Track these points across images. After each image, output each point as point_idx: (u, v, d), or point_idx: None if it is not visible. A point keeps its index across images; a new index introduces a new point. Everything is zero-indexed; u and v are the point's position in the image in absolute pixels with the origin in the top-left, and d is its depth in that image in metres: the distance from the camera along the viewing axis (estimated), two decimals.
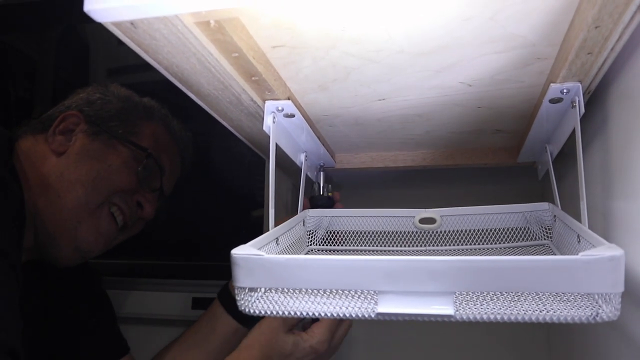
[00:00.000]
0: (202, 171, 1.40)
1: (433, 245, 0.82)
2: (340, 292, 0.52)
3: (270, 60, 0.63)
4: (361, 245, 0.84)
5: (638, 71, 0.54)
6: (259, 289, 0.54)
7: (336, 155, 1.01)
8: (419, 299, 0.48)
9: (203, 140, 1.39)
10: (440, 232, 0.82)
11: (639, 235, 0.54)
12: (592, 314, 0.46)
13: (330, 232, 0.86)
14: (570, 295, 0.48)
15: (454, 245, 0.81)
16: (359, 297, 0.51)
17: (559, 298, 0.48)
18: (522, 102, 0.73)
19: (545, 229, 0.77)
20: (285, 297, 0.53)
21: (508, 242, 0.79)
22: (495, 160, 0.95)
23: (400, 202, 0.87)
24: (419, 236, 0.83)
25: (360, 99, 0.74)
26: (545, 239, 0.77)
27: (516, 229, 0.80)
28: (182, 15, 0.49)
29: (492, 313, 0.48)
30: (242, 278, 0.52)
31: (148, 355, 1.26)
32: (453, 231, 0.82)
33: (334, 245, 0.85)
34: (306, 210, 0.84)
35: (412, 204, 0.85)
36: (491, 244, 0.79)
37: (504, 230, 0.80)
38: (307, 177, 0.92)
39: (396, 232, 0.83)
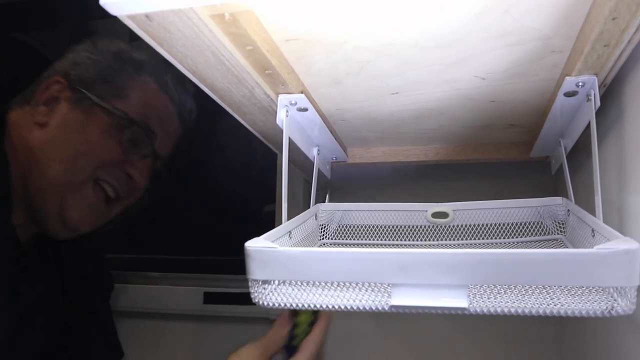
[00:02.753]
0: (214, 166, 1.41)
1: (446, 240, 0.81)
2: (354, 284, 0.52)
3: (283, 54, 0.63)
4: (374, 240, 0.84)
5: None
6: (272, 282, 0.54)
7: (348, 149, 1.01)
8: (433, 291, 0.48)
9: (215, 136, 1.40)
10: (453, 226, 0.82)
11: None
12: (607, 307, 0.46)
13: (343, 226, 0.86)
14: (585, 289, 0.48)
15: (466, 239, 0.81)
16: (372, 290, 0.51)
17: (573, 291, 0.48)
18: (536, 96, 0.73)
19: (559, 223, 0.77)
20: (299, 290, 0.54)
21: (521, 237, 0.79)
22: (508, 155, 0.95)
23: (413, 197, 0.87)
24: (431, 230, 0.83)
25: (373, 93, 0.73)
26: (558, 234, 0.76)
27: (529, 224, 0.79)
28: (197, 8, 0.49)
29: (506, 306, 0.48)
30: (255, 270, 0.53)
31: (159, 350, 1.27)
32: (466, 225, 0.81)
33: (347, 239, 0.85)
34: (319, 204, 0.84)
35: (425, 199, 0.85)
36: (504, 238, 0.79)
37: (517, 224, 0.80)
38: (319, 172, 0.92)
39: (409, 227, 0.83)
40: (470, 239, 0.81)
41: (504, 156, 0.95)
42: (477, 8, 0.52)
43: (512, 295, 0.48)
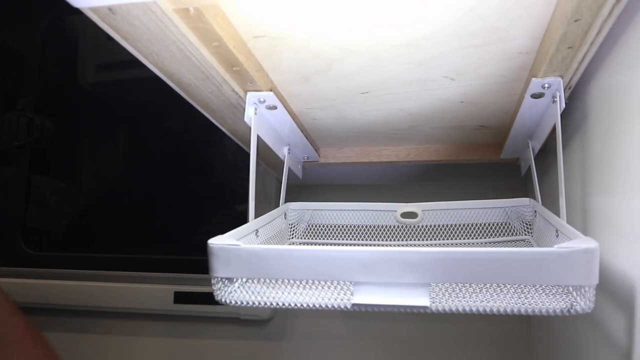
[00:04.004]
0: (187, 165, 1.40)
1: (415, 240, 0.82)
2: (317, 282, 0.51)
3: (251, 51, 0.62)
4: (343, 239, 0.84)
5: (617, 67, 0.54)
6: (235, 279, 0.54)
7: (320, 149, 1.01)
8: (395, 290, 0.48)
9: (189, 134, 1.39)
10: (422, 226, 0.82)
11: (617, 231, 0.55)
12: (566, 306, 0.46)
13: (312, 226, 0.86)
14: (546, 288, 0.48)
15: (435, 239, 0.81)
16: (334, 288, 0.51)
17: (533, 290, 0.48)
18: (505, 98, 0.74)
19: (526, 224, 0.77)
20: (262, 288, 0.53)
21: (489, 237, 0.79)
22: (478, 156, 0.95)
23: (385, 197, 0.87)
24: (401, 230, 0.83)
25: (343, 92, 0.73)
26: (526, 234, 0.77)
27: (498, 225, 0.80)
28: (161, 1, 0.48)
29: (468, 305, 0.48)
30: (218, 268, 0.52)
31: (128, 349, 1.26)
32: (435, 226, 0.82)
33: (316, 238, 0.85)
34: (288, 204, 0.84)
35: (397, 199, 0.85)
36: (473, 238, 0.80)
37: (485, 225, 0.80)
38: (290, 171, 0.92)
39: (378, 226, 0.83)
40: (440, 239, 0.81)
41: (474, 157, 0.96)
42: (444, 6, 0.52)
43: (474, 294, 0.48)
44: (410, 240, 0.82)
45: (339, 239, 0.84)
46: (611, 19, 0.48)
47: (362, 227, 0.84)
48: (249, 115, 0.69)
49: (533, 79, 0.62)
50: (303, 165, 1.00)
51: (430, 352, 1.12)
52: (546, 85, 0.62)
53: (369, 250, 0.48)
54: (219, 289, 0.53)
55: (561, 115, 0.65)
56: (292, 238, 0.84)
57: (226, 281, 0.53)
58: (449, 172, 1.08)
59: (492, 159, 0.95)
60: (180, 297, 1.19)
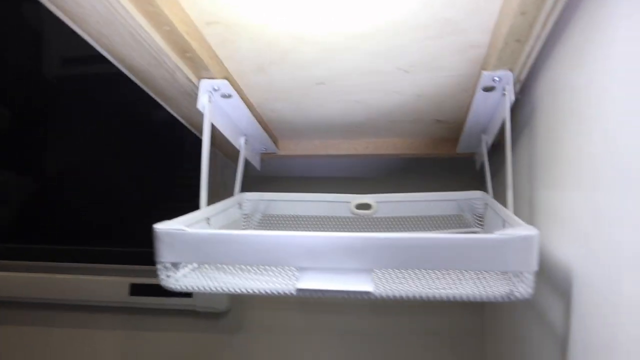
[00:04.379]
0: (146, 155, 1.38)
1: (369, 231, 0.82)
2: (262, 268, 0.51)
3: (205, 37, 0.62)
4: (298, 230, 0.84)
5: (561, 63, 0.55)
6: (180, 265, 0.53)
7: (280, 141, 1.00)
8: (339, 276, 0.48)
9: (147, 124, 1.37)
10: (377, 218, 0.82)
11: (559, 222, 0.56)
12: (506, 292, 0.47)
13: (267, 216, 0.86)
14: (486, 274, 0.49)
15: (390, 231, 0.82)
16: (279, 274, 0.51)
17: (474, 276, 0.49)
18: (460, 92, 0.74)
19: (478, 216, 0.79)
20: (207, 273, 0.53)
21: (442, 229, 0.80)
22: (436, 150, 0.97)
23: (345, 190, 0.87)
24: (356, 222, 0.83)
25: (299, 83, 0.73)
26: (477, 226, 0.78)
27: (451, 217, 0.81)
28: None
29: (411, 291, 0.48)
30: (164, 252, 0.52)
31: (84, 342, 1.24)
32: (389, 218, 0.82)
33: (271, 229, 0.85)
34: (243, 194, 0.83)
35: (357, 192, 0.85)
36: (426, 230, 0.80)
37: (439, 218, 0.81)
38: (249, 163, 0.91)
39: (333, 218, 0.84)
40: (394, 230, 0.82)
41: (432, 152, 0.97)
42: None
43: (417, 279, 0.49)
44: (365, 231, 0.82)
45: (293, 230, 0.84)
46: (555, 12, 0.49)
47: (317, 218, 0.84)
48: (202, 103, 0.68)
49: (484, 72, 0.63)
50: (262, 157, 1.00)
51: (385, 344, 1.13)
52: (497, 79, 0.63)
53: (313, 236, 0.48)
54: (165, 274, 0.53)
55: (513, 110, 0.66)
56: (247, 228, 0.84)
57: (172, 266, 0.53)
58: (408, 166, 1.09)
59: (449, 154, 0.96)
60: (136, 289, 1.17)
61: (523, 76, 0.63)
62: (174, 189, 1.34)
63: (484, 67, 0.64)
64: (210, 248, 0.50)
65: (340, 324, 1.15)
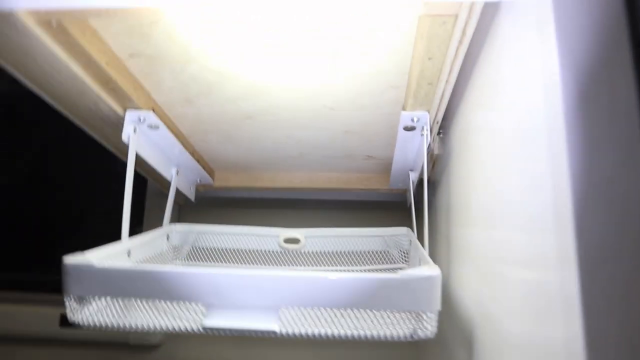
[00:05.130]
0: (83, 181, 1.35)
1: (297, 266, 0.82)
2: (170, 304, 0.51)
3: (128, 69, 0.62)
4: (226, 263, 0.83)
5: (471, 104, 0.57)
6: (88, 299, 0.52)
7: (216, 172, 1.00)
8: (246, 313, 0.48)
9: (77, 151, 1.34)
10: (305, 252, 0.83)
11: (470, 260, 0.57)
12: (409, 332, 0.48)
13: (196, 249, 0.85)
14: (390, 313, 0.49)
15: (317, 266, 0.82)
16: (187, 310, 0.50)
17: (379, 316, 0.49)
18: (387, 129, 0.76)
19: (404, 252, 0.80)
20: (116, 308, 0.52)
21: (369, 265, 0.81)
22: (369, 185, 0.98)
23: (279, 223, 0.87)
24: (284, 256, 0.83)
25: (228, 116, 0.74)
26: (403, 263, 0.79)
27: (378, 252, 0.82)
28: (20, 13, 0.48)
29: (317, 330, 0.48)
30: (71, 286, 0.51)
31: None
32: (318, 252, 0.83)
33: (199, 262, 0.84)
34: (171, 225, 0.82)
35: (292, 225, 0.85)
36: (354, 265, 0.81)
37: (367, 253, 0.82)
38: (181, 193, 0.91)
39: (262, 251, 0.83)
40: (322, 265, 0.82)
41: (365, 186, 0.98)
42: (313, 33, 0.53)
43: (322, 318, 0.49)
44: (293, 266, 0.82)
45: (221, 263, 0.83)
46: (458, 59, 0.51)
47: (247, 251, 0.84)
48: (127, 133, 0.68)
49: (403, 112, 0.64)
50: (197, 188, 1.00)
51: None
52: (415, 119, 0.65)
53: (220, 273, 0.48)
54: (72, 308, 0.51)
55: (438, 148, 0.68)
56: (175, 260, 0.83)
57: (79, 300, 0.52)
58: (344, 200, 1.10)
59: (382, 189, 0.97)
60: (67, 321, 1.13)
61: (440, 117, 0.65)
62: (108, 215, 1.32)
63: (403, 107, 0.65)
64: (118, 283, 0.49)
65: (275, 357, 1.14)
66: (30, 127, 1.36)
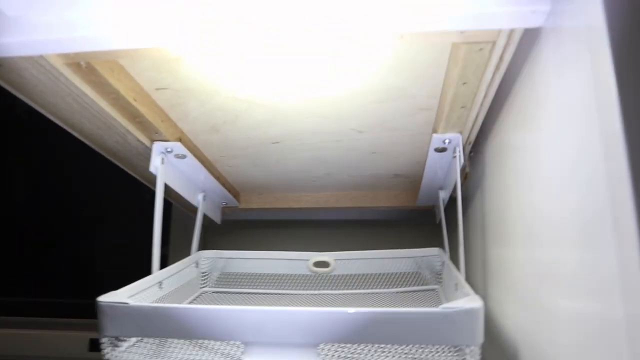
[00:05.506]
0: (106, 207, 1.36)
1: (327, 289, 0.81)
2: (207, 342, 0.50)
3: (155, 102, 0.62)
4: (256, 288, 0.83)
5: (507, 126, 0.56)
6: (125, 339, 0.52)
7: (241, 194, 1.00)
8: (285, 350, 0.47)
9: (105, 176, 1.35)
10: (335, 275, 0.82)
11: (509, 284, 0.56)
12: None
13: (226, 274, 0.84)
14: (432, 348, 0.48)
15: (347, 289, 0.81)
16: (224, 348, 0.50)
17: (421, 350, 0.48)
18: (414, 149, 0.75)
19: (436, 274, 0.78)
20: (152, 348, 0.52)
21: (400, 287, 0.80)
22: (396, 203, 0.97)
23: (306, 243, 0.86)
24: (314, 279, 0.82)
25: (254, 141, 0.73)
26: (435, 284, 0.78)
27: (409, 274, 0.80)
28: (49, 56, 0.48)
29: None
30: (107, 326, 0.50)
31: None
32: (347, 275, 0.82)
33: (229, 287, 0.84)
34: (200, 252, 0.82)
35: (318, 245, 0.85)
36: (384, 288, 0.80)
37: (397, 274, 0.81)
38: (207, 217, 0.91)
39: (292, 275, 0.83)
40: (351, 288, 0.81)
41: (392, 204, 0.97)
42: (341, 65, 0.53)
43: (362, 354, 0.48)
44: (323, 289, 0.81)
45: (251, 288, 0.83)
46: (494, 83, 0.50)
47: (276, 275, 0.83)
48: (155, 165, 0.68)
49: (434, 134, 0.64)
50: (223, 210, 0.99)
51: None
52: (447, 141, 0.64)
53: (259, 310, 0.47)
54: (109, 348, 0.51)
55: (469, 167, 0.66)
56: (204, 287, 0.82)
57: (116, 340, 0.51)
58: (371, 217, 1.09)
59: (408, 206, 0.96)
60: (96, 345, 1.14)
61: (472, 138, 0.64)
62: (137, 238, 1.32)
63: (434, 129, 0.64)
64: (154, 322, 0.49)
65: None
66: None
